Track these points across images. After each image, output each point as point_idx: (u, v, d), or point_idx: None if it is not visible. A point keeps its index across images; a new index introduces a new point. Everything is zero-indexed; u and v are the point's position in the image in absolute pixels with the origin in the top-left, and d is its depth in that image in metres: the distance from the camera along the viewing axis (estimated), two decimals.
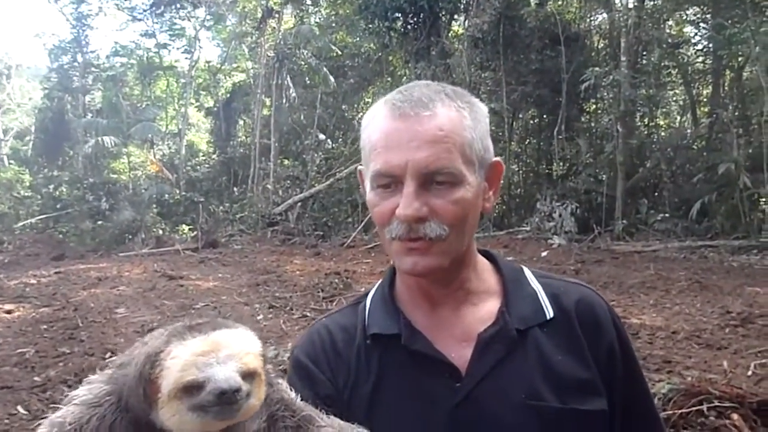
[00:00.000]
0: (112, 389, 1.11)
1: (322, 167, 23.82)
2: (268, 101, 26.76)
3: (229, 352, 1.08)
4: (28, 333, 8.51)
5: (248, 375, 1.09)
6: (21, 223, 24.87)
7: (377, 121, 1.36)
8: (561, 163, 21.71)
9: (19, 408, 5.48)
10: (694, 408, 3.95)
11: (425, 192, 1.30)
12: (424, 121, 1.29)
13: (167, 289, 11.34)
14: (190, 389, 1.04)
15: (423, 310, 1.46)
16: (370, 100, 26.62)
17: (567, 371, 1.36)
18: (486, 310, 1.44)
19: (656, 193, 18.60)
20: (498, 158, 1.44)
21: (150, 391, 1.07)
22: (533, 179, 22.97)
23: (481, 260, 1.52)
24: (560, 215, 15.83)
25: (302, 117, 26.84)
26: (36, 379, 6.32)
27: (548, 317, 1.42)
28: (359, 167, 1.49)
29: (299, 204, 20.77)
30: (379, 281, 1.59)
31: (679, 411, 3.90)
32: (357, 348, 1.45)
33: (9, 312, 9.80)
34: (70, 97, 30.92)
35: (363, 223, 18.00)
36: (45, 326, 8.83)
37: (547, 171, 22.54)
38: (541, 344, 1.39)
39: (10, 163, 31.42)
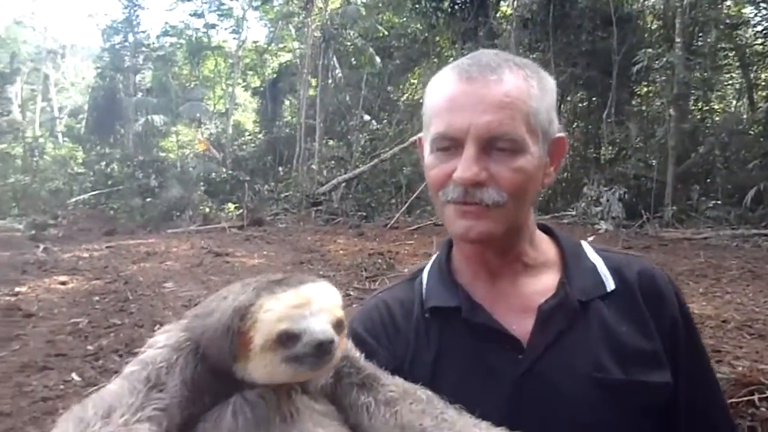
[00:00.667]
0: (190, 337, 1.13)
1: (366, 148, 23.85)
2: (314, 81, 26.86)
3: (321, 305, 1.10)
4: (81, 304, 8.82)
5: (337, 326, 1.10)
6: (74, 199, 25.68)
7: (443, 85, 1.34)
8: (609, 148, 21.23)
9: (74, 375, 5.69)
10: (744, 398, 3.86)
11: (485, 157, 1.28)
12: (491, 86, 1.27)
13: (213, 266, 11.58)
14: (285, 341, 1.06)
15: (482, 282, 1.45)
16: (415, 81, 26.50)
17: (631, 343, 1.34)
18: (545, 282, 1.42)
19: (708, 180, 18.05)
20: (562, 134, 1.41)
21: (237, 343, 1.08)
22: (580, 163, 22.54)
23: (539, 234, 1.51)
24: (607, 200, 15.49)
25: (348, 97, 26.86)
26: (89, 348, 6.55)
27: (609, 289, 1.40)
28: (419, 135, 1.48)
29: (343, 184, 20.85)
30: (434, 256, 1.59)
31: (730, 400, 3.81)
32: (415, 322, 1.44)
33: (63, 283, 10.15)
34: (122, 76, 31.60)
35: (406, 205, 17.98)
36: (97, 298, 9.13)
37: (594, 155, 22.09)
38: (603, 316, 1.37)
39: (64, 141, 32.40)
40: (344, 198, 20.57)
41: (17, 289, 9.61)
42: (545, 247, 1.50)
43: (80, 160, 29.95)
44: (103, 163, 27.23)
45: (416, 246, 12.90)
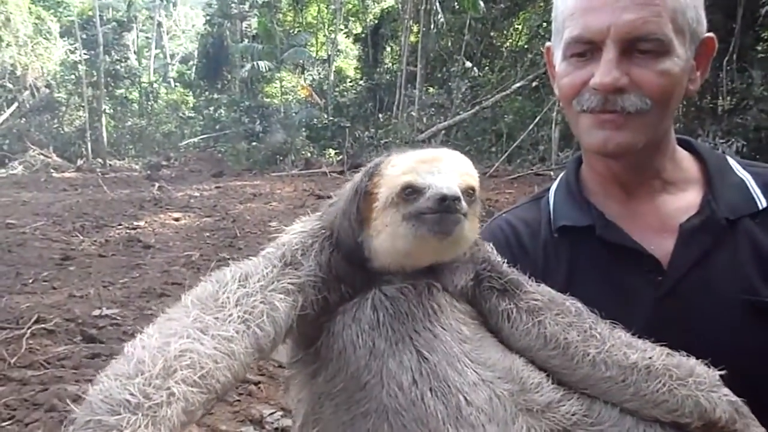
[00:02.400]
0: (325, 225, 1.16)
1: (467, 95, 23.39)
2: (415, 27, 26.43)
3: (451, 166, 1.06)
4: (193, 238, 9.34)
5: (467, 193, 1.05)
6: (185, 142, 26.96)
7: None
8: (729, 97, 19.79)
9: None
10: None
11: (627, 60, 1.19)
12: None
13: (316, 208, 11.80)
14: (408, 194, 1.03)
15: (616, 200, 1.38)
16: (520, 27, 25.54)
17: None
18: (687, 200, 1.34)
19: None
20: (711, 34, 1.29)
21: (364, 204, 1.07)
22: (695, 114, 21.13)
23: (679, 149, 1.41)
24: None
25: (449, 43, 26.30)
26: (202, 278, 6.92)
27: (761, 207, 1.30)
28: (548, 44, 1.39)
29: (443, 132, 20.67)
30: (561, 174, 1.52)
31: None
32: (543, 242, 1.40)
33: (177, 219, 10.77)
34: (229, 23, 32.32)
35: (507, 153, 17.64)
36: (207, 234, 9.63)
37: (711, 105, 20.65)
38: (754, 235, 1.27)
39: (176, 86, 33.78)
40: (444, 145, 20.38)
41: (136, 223, 10.29)
42: (687, 164, 1.40)
43: (190, 105, 31.24)
44: (212, 108, 28.28)
45: (516, 195, 12.69)
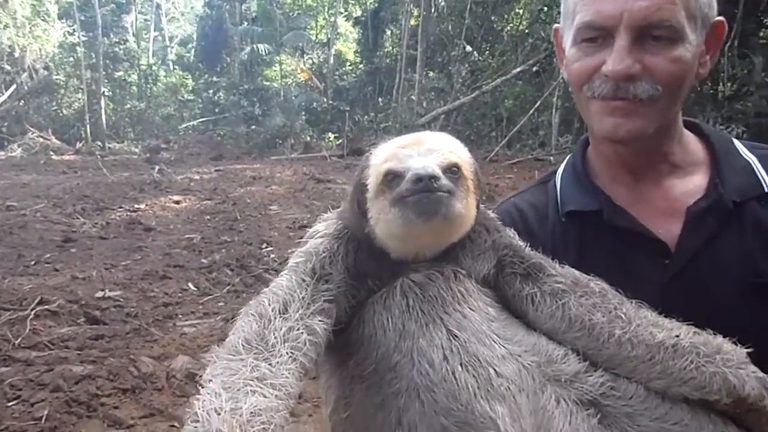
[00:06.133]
0: (345, 224, 1.19)
1: (467, 80, 23.30)
2: (416, 11, 26.26)
3: (431, 147, 1.10)
4: (194, 221, 9.37)
5: (450, 170, 1.08)
6: (184, 125, 26.87)
7: None
8: (730, 83, 19.73)
9: (190, 285, 6.12)
10: None
11: (639, 48, 1.19)
12: None
13: (315, 191, 11.91)
14: (391, 180, 1.07)
15: (623, 184, 1.39)
16: (521, 11, 25.39)
17: None
18: (694, 183, 1.35)
19: None
20: (721, 18, 1.28)
21: (362, 197, 1.12)
22: (695, 99, 20.97)
23: (686, 132, 1.41)
24: None
25: (450, 27, 26.12)
26: (203, 261, 6.98)
27: (767, 189, 1.31)
28: (556, 26, 1.39)
29: (443, 116, 20.61)
30: (567, 158, 1.52)
31: None
32: (551, 226, 1.41)
33: (177, 202, 10.79)
34: (228, 5, 32.09)
35: (507, 138, 17.61)
36: (208, 217, 9.66)
37: (711, 91, 20.59)
38: (760, 218, 1.28)
39: (174, 68, 33.60)
40: (443, 130, 20.28)
41: (136, 205, 10.31)
42: (694, 147, 1.40)
43: (189, 88, 31.09)
44: (211, 91, 28.15)
45: (516, 180, 12.71)
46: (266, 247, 7.57)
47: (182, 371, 4.18)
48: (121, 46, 29.64)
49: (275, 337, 1.00)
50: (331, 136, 23.80)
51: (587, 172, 1.44)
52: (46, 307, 5.11)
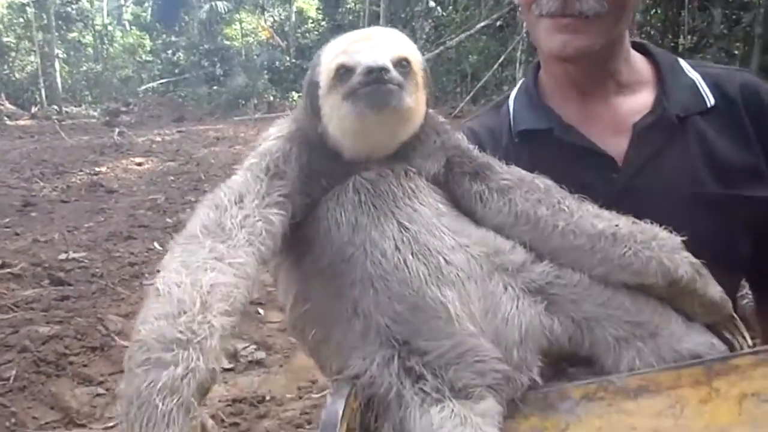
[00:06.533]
0: (299, 126, 1.21)
1: (431, 35, 23.13)
2: None
3: (381, 41, 1.13)
4: (158, 183, 9.24)
5: (400, 65, 1.11)
6: (144, 87, 26.20)
7: None
8: (690, 35, 19.94)
9: (156, 244, 6.07)
10: None
11: None
12: None
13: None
14: (342, 74, 1.09)
15: (573, 103, 1.44)
16: None
17: (731, 158, 1.33)
18: (640, 101, 1.40)
19: None
20: None
21: (315, 95, 1.14)
22: None
23: (633, 52, 1.46)
24: None
25: None
26: (168, 220, 6.93)
27: (709, 105, 1.36)
28: None
29: None
30: (520, 82, 1.57)
31: None
32: (505, 147, 1.45)
33: (139, 164, 10.62)
34: None
35: (471, 94, 17.61)
36: (172, 178, 9.54)
37: (672, 44, 20.80)
38: (703, 132, 1.34)
39: (131, 29, 32.59)
40: None
41: (97, 169, 10.12)
42: (641, 66, 1.45)
43: (147, 49, 30.23)
44: (170, 52, 27.44)
45: None
46: None
47: None
48: (74, 6, 28.49)
49: (232, 224, 1.03)
50: (295, 95, 23.44)
51: (539, 94, 1.49)
52: (9, 270, 5.04)
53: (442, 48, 20.37)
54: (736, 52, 16.88)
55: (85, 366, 3.79)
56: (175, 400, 0.82)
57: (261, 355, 4.01)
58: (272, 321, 4.45)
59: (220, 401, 3.43)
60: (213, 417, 3.15)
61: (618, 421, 1.03)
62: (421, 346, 1.05)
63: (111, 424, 3.26)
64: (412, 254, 1.07)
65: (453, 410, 0.99)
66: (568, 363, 1.17)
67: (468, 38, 19.27)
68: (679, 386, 1.03)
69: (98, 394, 3.57)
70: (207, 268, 0.95)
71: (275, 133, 1.20)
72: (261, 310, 4.52)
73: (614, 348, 1.12)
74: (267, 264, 1.10)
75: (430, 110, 1.25)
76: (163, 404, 0.82)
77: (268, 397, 3.51)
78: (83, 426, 3.31)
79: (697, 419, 1.01)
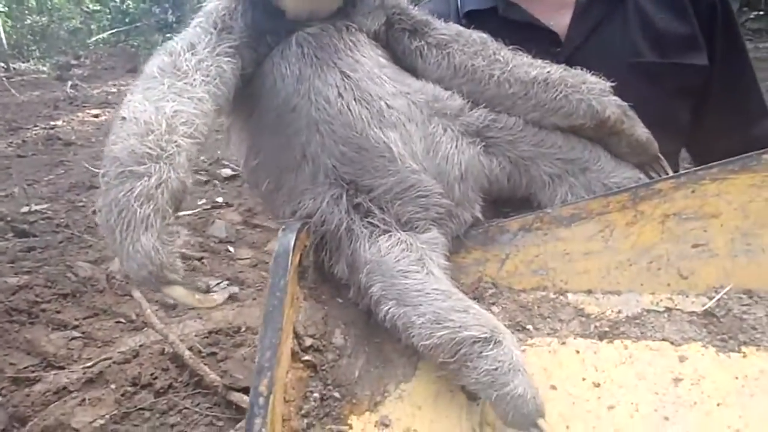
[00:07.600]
0: None
1: None
2: None
3: None
4: None
5: None
6: (94, 38, 25.24)
7: None
8: None
9: None
10: None
11: None
12: None
13: None
14: None
15: None
16: None
17: (668, 27, 1.40)
18: None
19: None
20: None
21: None
22: None
23: None
24: None
25: None
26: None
27: None
28: None
29: None
30: None
31: None
32: None
33: (96, 116, 10.36)
34: None
35: None
36: None
37: None
38: (641, 4, 1.42)
39: None
40: None
41: (52, 122, 9.83)
42: None
43: None
44: (118, 0, 26.39)
45: None
46: None
47: (122, 272, 4.18)
48: None
49: (187, 66, 1.08)
50: None
51: None
52: None
53: None
54: None
55: (58, 312, 3.79)
56: (151, 206, 0.91)
57: (234, 289, 4.04)
58: (243, 258, 4.49)
59: (196, 335, 3.48)
60: (190, 349, 3.21)
61: (553, 247, 1.13)
62: (367, 184, 1.12)
63: (89, 364, 3.30)
64: (354, 99, 1.13)
65: (399, 238, 1.07)
66: (510, 209, 1.25)
67: None
68: (608, 212, 1.11)
69: (74, 338, 3.59)
70: (168, 99, 1.01)
71: None
72: (231, 248, 4.55)
73: (549, 184, 1.22)
74: (221, 110, 1.15)
75: None
76: (141, 209, 0.90)
77: (243, 328, 3.57)
78: (62, 368, 3.34)
79: (624, 240, 1.09)
